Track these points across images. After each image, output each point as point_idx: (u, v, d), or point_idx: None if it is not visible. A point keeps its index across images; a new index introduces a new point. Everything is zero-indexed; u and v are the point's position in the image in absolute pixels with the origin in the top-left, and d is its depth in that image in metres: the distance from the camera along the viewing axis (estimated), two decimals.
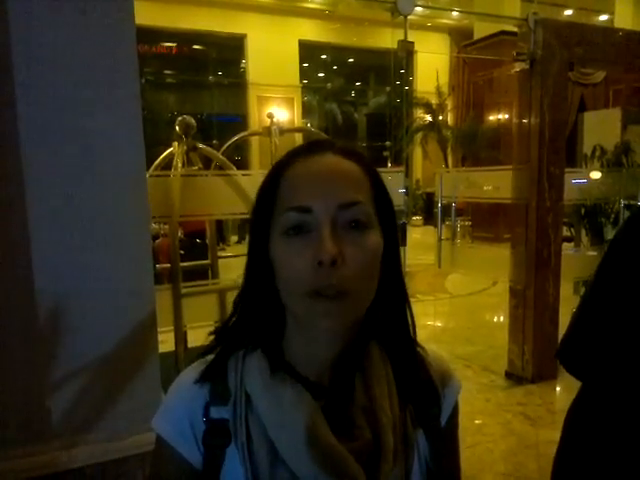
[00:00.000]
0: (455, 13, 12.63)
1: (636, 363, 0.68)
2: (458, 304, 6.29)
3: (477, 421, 3.15)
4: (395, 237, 0.64)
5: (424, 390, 0.67)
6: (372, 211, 0.59)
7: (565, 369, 0.79)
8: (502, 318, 4.90)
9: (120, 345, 1.52)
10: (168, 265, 2.63)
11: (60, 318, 1.45)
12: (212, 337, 0.68)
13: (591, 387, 0.76)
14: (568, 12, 13.19)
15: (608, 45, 3.66)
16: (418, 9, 3.28)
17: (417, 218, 13.11)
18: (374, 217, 0.60)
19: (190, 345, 2.84)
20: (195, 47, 13.25)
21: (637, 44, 3.77)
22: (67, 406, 1.47)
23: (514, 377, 3.72)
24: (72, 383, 1.48)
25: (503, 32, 8.53)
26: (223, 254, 4.08)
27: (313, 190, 0.57)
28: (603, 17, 13.27)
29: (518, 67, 3.50)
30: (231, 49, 13.25)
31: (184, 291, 2.48)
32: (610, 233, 4.93)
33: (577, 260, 4.22)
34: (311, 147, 0.62)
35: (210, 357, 0.65)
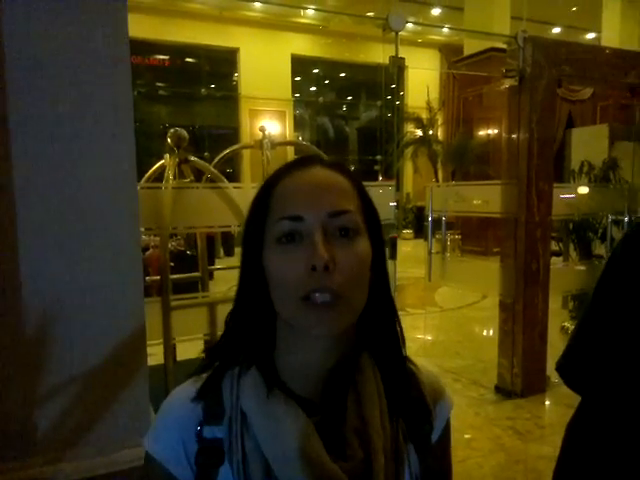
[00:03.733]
0: (445, 30, 12.80)
1: (636, 378, 0.69)
2: (448, 318, 6.30)
3: (467, 435, 3.14)
4: (382, 247, 0.65)
5: (415, 406, 0.67)
6: (360, 220, 0.61)
7: (565, 383, 0.79)
8: (492, 332, 4.91)
9: (108, 358, 1.51)
10: (158, 277, 2.61)
11: (47, 330, 1.44)
12: (204, 354, 0.68)
13: (591, 401, 0.76)
14: (556, 30, 13.44)
15: (595, 63, 3.73)
16: (409, 25, 3.33)
17: (408, 231, 13.17)
18: (362, 226, 0.61)
19: (179, 358, 2.82)
20: (188, 60, 13.30)
21: (623, 62, 3.85)
22: (53, 420, 1.45)
23: (503, 391, 3.72)
24: (59, 397, 1.46)
25: (493, 49, 8.66)
26: (213, 267, 4.10)
27: (304, 200, 0.59)
28: (591, 35, 13.53)
29: (507, 83, 3.55)
30: (224, 62, 13.32)
31: (174, 304, 2.46)
32: (598, 248, 4.99)
33: (566, 274, 4.25)
34: (300, 162, 0.65)
35: (203, 375, 0.65)
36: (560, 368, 0.80)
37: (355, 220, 0.60)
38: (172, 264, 2.98)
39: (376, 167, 14.58)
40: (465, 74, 10.68)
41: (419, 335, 5.38)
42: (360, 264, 0.60)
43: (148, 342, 1.65)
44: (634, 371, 0.69)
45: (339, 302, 0.57)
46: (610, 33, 11.71)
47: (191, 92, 13.05)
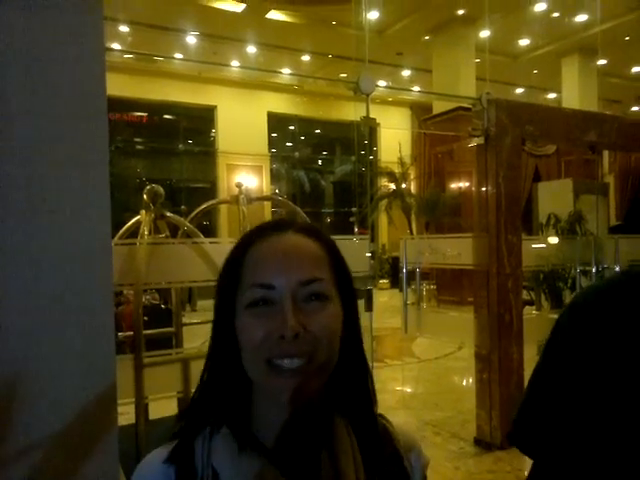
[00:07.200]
0: (415, 92, 13.40)
1: (585, 441, 0.71)
2: (426, 368, 6.26)
3: None
4: (355, 309, 0.67)
5: (391, 464, 0.67)
6: (332, 285, 0.63)
7: (518, 449, 0.80)
8: (470, 382, 4.89)
9: (77, 419, 1.47)
10: (131, 333, 2.57)
11: (15, 387, 1.40)
12: (177, 418, 0.67)
13: (543, 465, 0.77)
14: (519, 90, 14.19)
15: (556, 122, 3.95)
16: (379, 88, 3.49)
17: (384, 281, 13.25)
18: (334, 290, 0.63)
19: (151, 417, 2.74)
20: (166, 117, 13.56)
21: (582, 121, 4.08)
22: None
23: (483, 443, 3.67)
24: (24, 459, 1.40)
25: (460, 108, 9.07)
26: (187, 321, 4.03)
27: (275, 268, 0.61)
28: (552, 95, 14.31)
29: (474, 142, 3.72)
30: (201, 119, 13.62)
31: (146, 361, 2.41)
32: (569, 297, 5.09)
33: (539, 323, 4.30)
34: (274, 226, 0.66)
35: (175, 442, 0.65)
36: (510, 435, 0.81)
37: (326, 287, 0.62)
38: (145, 318, 2.93)
39: (352, 219, 14.81)
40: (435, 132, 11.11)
41: (398, 387, 5.32)
42: (330, 326, 0.61)
43: (119, 401, 1.61)
44: (584, 434, 0.71)
45: (308, 366, 0.58)
46: (570, 93, 12.41)
47: (169, 147, 13.24)
